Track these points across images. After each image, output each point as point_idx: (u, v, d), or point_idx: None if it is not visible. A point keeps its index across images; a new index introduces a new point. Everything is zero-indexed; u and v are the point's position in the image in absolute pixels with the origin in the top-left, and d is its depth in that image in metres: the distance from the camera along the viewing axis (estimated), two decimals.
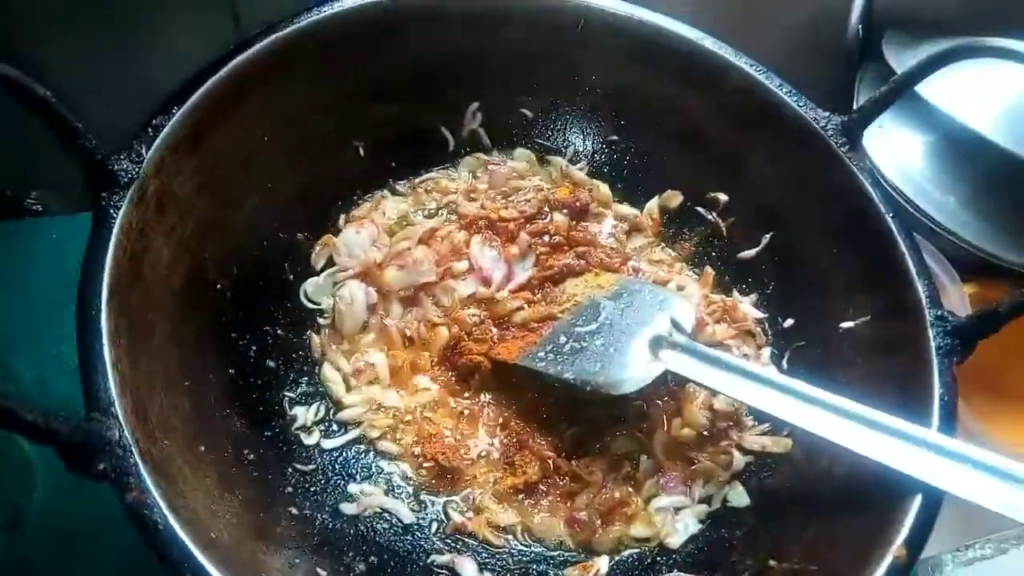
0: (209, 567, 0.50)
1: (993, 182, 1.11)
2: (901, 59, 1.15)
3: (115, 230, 0.59)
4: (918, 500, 0.59)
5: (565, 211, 0.88)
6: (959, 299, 1.03)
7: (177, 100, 0.67)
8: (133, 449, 0.52)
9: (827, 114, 0.78)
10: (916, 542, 0.58)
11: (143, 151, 0.63)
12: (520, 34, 0.84)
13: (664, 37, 0.83)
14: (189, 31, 0.92)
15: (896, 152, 1.16)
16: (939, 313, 0.68)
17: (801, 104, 0.79)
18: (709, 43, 0.82)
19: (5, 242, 0.92)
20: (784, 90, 0.80)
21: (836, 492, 0.68)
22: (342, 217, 0.85)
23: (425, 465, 0.74)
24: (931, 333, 0.67)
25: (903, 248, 0.71)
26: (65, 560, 0.76)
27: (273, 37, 0.73)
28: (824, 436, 0.63)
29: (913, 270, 0.70)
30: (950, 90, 1.11)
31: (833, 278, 0.78)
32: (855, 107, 0.81)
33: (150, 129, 0.64)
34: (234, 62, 0.70)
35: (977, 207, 1.12)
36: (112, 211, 0.60)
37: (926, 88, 1.12)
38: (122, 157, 0.62)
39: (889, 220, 0.73)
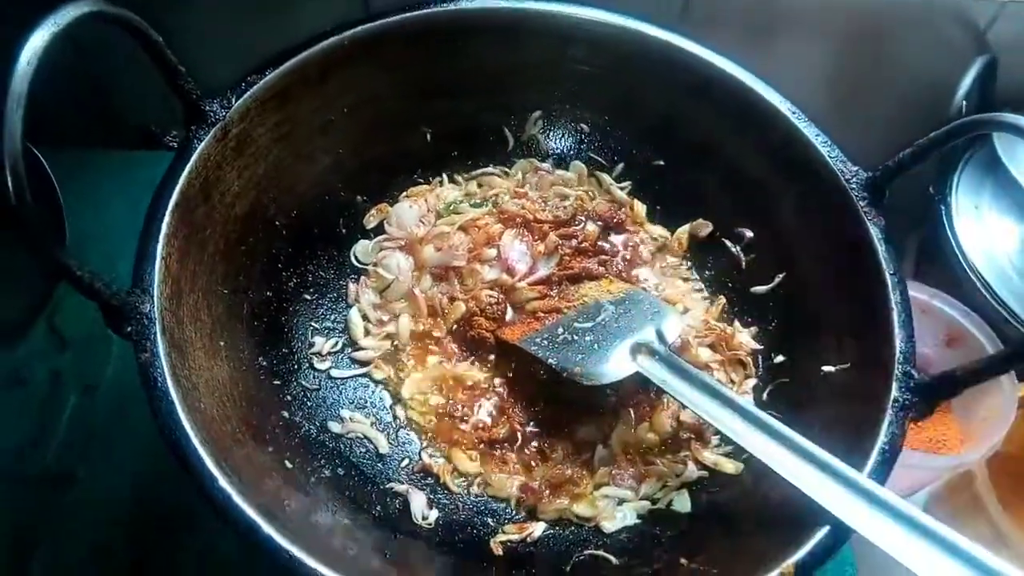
0: (187, 426, 0.61)
1: None
2: (1009, 145, 1.13)
3: (194, 157, 0.74)
4: (824, 531, 0.62)
5: (599, 222, 0.95)
6: (1010, 391, 1.00)
7: (272, 64, 0.81)
8: (156, 323, 0.65)
9: (855, 168, 0.81)
10: (808, 565, 0.61)
11: (233, 100, 0.78)
12: (586, 54, 0.92)
13: (716, 75, 0.88)
14: (323, 14, 1.06)
15: (988, 237, 1.14)
16: (906, 369, 0.70)
17: (833, 155, 0.82)
18: (758, 86, 0.87)
19: (140, 169, 1.10)
20: (820, 140, 0.83)
21: (763, 514, 0.71)
22: (402, 193, 0.97)
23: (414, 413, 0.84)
24: (894, 386, 0.69)
25: (892, 303, 0.73)
26: (117, 419, 0.92)
27: (364, 27, 0.85)
28: (766, 463, 0.67)
29: (896, 324, 0.72)
30: None
31: (828, 323, 0.81)
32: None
33: (243, 83, 0.79)
34: (325, 42, 0.83)
35: None
36: (196, 142, 0.75)
37: None
38: (214, 101, 0.76)
39: (887, 275, 0.75)
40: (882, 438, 0.66)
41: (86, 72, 1.17)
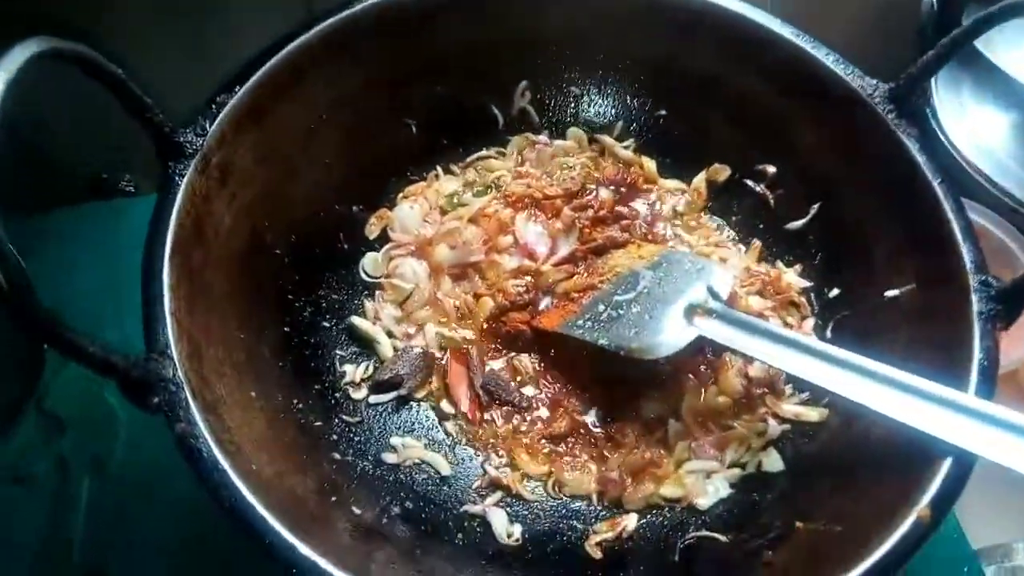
0: (246, 493, 0.55)
1: None
2: (983, 36, 1.11)
3: (179, 195, 0.66)
4: (948, 463, 0.58)
5: (611, 187, 0.89)
6: None
7: (239, 80, 0.73)
8: (185, 386, 0.57)
9: (875, 82, 0.77)
10: (942, 503, 0.57)
11: (207, 125, 0.69)
12: (566, 11, 0.86)
13: (709, 9, 0.83)
14: (263, 15, 0.98)
15: (978, 131, 1.13)
16: (983, 278, 0.66)
17: (848, 72, 0.78)
18: (754, 14, 0.82)
19: (100, 220, 1.02)
20: (831, 59, 0.79)
21: (870, 458, 0.67)
22: (399, 194, 0.90)
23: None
24: (974, 298, 0.65)
25: (949, 214, 0.70)
26: (142, 502, 0.83)
27: (329, 21, 0.78)
28: (859, 401, 0.63)
29: (959, 235, 0.69)
30: None
31: (879, 247, 0.77)
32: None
33: (213, 106, 0.70)
34: (291, 45, 0.75)
35: None
36: (178, 178, 0.67)
37: (1011, 64, 1.08)
38: (187, 131, 0.68)
39: (936, 186, 0.71)
40: (978, 354, 0.63)
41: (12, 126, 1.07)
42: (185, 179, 0.67)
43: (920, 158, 0.73)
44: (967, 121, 1.14)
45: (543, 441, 0.77)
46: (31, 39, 0.52)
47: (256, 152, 0.75)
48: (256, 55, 0.75)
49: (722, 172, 0.91)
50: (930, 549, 0.56)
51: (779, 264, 0.86)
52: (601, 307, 0.79)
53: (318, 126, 0.81)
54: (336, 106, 0.82)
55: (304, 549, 0.53)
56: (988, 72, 1.11)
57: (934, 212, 0.71)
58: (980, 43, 1.09)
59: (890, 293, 0.74)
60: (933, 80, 1.15)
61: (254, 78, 0.73)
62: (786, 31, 0.81)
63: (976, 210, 1.04)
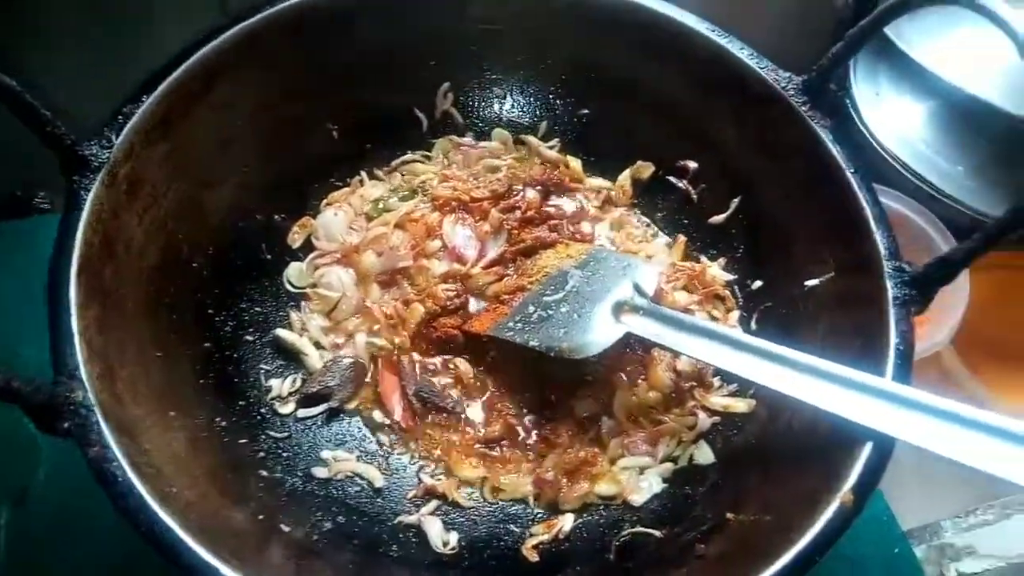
0: (165, 517, 0.53)
1: (995, 146, 1.10)
2: (897, 28, 1.14)
3: (85, 211, 0.63)
4: (868, 447, 0.59)
5: (538, 187, 0.89)
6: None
7: (146, 89, 0.70)
8: (96, 410, 0.55)
9: (788, 75, 0.78)
10: (864, 487, 0.58)
11: (113, 137, 0.67)
12: (485, 11, 0.86)
13: (626, 8, 0.84)
14: (176, 19, 0.95)
15: (894, 120, 1.16)
16: (896, 264, 0.68)
17: (763, 66, 0.79)
18: (671, 12, 0.83)
19: (16, 239, 0.97)
20: (746, 53, 0.80)
21: (795, 447, 0.68)
22: (323, 201, 0.88)
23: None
24: (888, 284, 0.67)
25: (862, 202, 0.71)
26: (67, 534, 0.80)
27: (241, 25, 0.76)
28: (782, 391, 0.64)
29: (872, 223, 0.70)
30: (949, 56, 1.10)
31: (798, 237, 0.79)
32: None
33: (120, 116, 0.68)
34: (202, 51, 0.73)
35: (982, 173, 1.11)
36: (83, 193, 0.64)
37: (925, 55, 1.11)
38: (92, 143, 0.65)
39: (849, 175, 0.73)
40: (894, 338, 0.64)
41: None
42: (91, 194, 0.64)
43: (834, 148, 0.75)
44: (884, 111, 1.17)
45: (478, 446, 0.76)
46: None
47: (167, 163, 0.72)
48: (164, 63, 0.72)
49: (646, 169, 0.91)
50: (861, 532, 0.57)
51: (703, 259, 0.87)
52: (531, 308, 0.79)
53: (234, 133, 0.79)
54: (253, 113, 0.80)
55: (228, 572, 0.51)
56: (903, 63, 1.14)
57: (848, 201, 0.72)
58: (894, 35, 1.12)
59: (810, 282, 0.76)
60: (852, 72, 1.18)
61: (163, 86, 0.71)
62: (702, 27, 0.82)
63: (895, 197, 1.06)
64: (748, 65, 0.80)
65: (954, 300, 0.99)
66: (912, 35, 1.12)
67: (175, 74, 0.72)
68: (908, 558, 0.83)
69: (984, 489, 0.95)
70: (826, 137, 0.75)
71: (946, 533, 0.92)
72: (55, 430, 0.55)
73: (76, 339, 0.58)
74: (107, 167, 0.65)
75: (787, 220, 0.80)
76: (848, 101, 1.16)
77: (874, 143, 1.13)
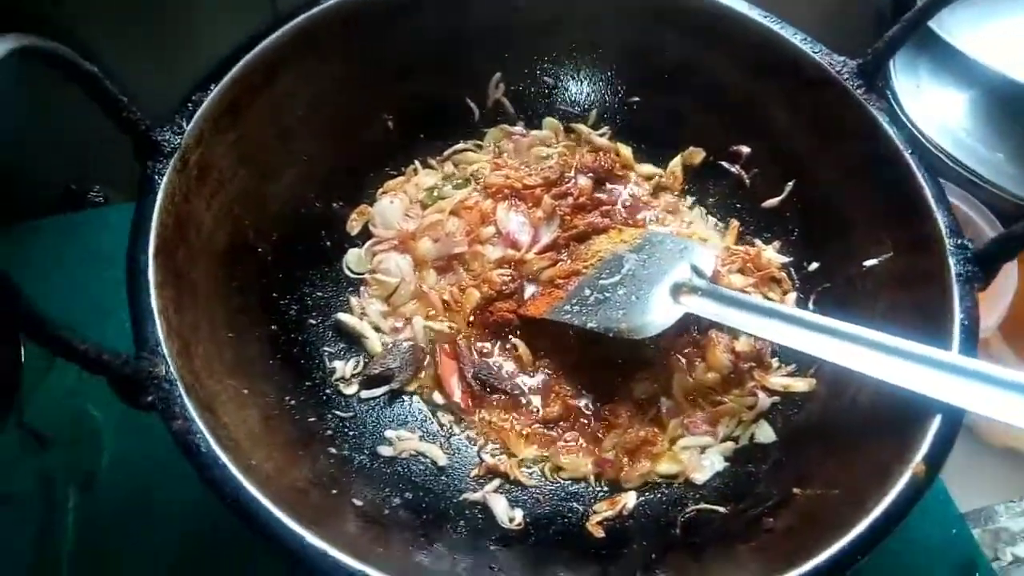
0: (249, 487, 0.54)
1: None
2: (938, 19, 1.15)
3: (159, 195, 0.65)
4: (937, 419, 0.59)
5: (589, 174, 0.90)
6: None
7: (214, 78, 0.72)
8: (179, 383, 0.57)
9: (842, 59, 0.79)
10: (936, 458, 0.58)
11: (184, 124, 0.68)
12: (537, 1, 0.87)
13: None
14: (228, 15, 0.97)
15: (935, 111, 1.16)
16: (959, 242, 0.68)
17: (816, 51, 0.80)
18: None
19: (70, 232, 0.99)
20: (799, 38, 0.81)
21: (860, 421, 0.68)
22: (379, 190, 0.90)
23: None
24: (951, 261, 0.67)
25: (921, 182, 0.72)
26: (134, 518, 0.81)
27: (299, 18, 0.77)
28: (846, 366, 0.64)
29: (932, 202, 0.70)
30: (989, 45, 1.10)
31: (855, 218, 0.79)
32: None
33: (189, 104, 0.70)
34: (264, 43, 0.75)
35: (1023, 159, 1.11)
36: (157, 178, 0.65)
37: (966, 44, 1.11)
38: (165, 129, 0.67)
39: (907, 156, 0.73)
40: (959, 314, 0.65)
41: None
42: (165, 178, 0.65)
43: (891, 130, 0.75)
44: (924, 102, 1.17)
45: (537, 426, 0.77)
46: (7, 35, 0.50)
47: (234, 150, 0.74)
48: (229, 53, 0.74)
49: (697, 155, 0.92)
50: (919, 513, 0.57)
51: (758, 242, 0.87)
52: (587, 291, 0.80)
53: (295, 123, 0.81)
54: (313, 103, 0.82)
55: (312, 539, 0.53)
56: (945, 54, 1.14)
57: (908, 182, 0.72)
58: (936, 25, 1.13)
59: (868, 262, 0.76)
60: (891, 63, 1.19)
61: (228, 76, 0.72)
62: (754, 13, 0.83)
63: None
64: (802, 50, 0.80)
65: (1002, 287, 0.99)
66: (952, 25, 1.12)
67: (239, 65, 0.73)
68: (966, 538, 0.83)
69: None
70: (883, 119, 0.76)
71: (1000, 518, 0.92)
72: (139, 404, 0.56)
73: (156, 316, 0.59)
74: (179, 152, 0.67)
75: (842, 202, 0.80)
76: (889, 93, 1.16)
77: (916, 133, 1.13)
